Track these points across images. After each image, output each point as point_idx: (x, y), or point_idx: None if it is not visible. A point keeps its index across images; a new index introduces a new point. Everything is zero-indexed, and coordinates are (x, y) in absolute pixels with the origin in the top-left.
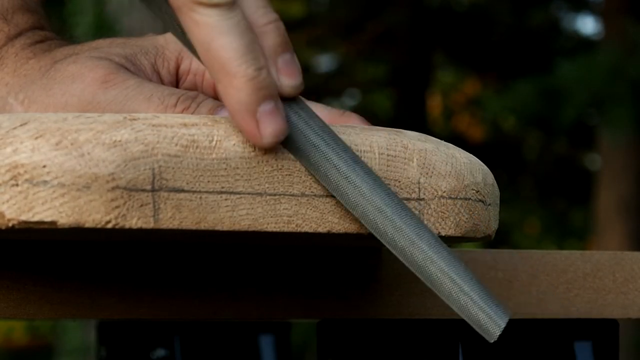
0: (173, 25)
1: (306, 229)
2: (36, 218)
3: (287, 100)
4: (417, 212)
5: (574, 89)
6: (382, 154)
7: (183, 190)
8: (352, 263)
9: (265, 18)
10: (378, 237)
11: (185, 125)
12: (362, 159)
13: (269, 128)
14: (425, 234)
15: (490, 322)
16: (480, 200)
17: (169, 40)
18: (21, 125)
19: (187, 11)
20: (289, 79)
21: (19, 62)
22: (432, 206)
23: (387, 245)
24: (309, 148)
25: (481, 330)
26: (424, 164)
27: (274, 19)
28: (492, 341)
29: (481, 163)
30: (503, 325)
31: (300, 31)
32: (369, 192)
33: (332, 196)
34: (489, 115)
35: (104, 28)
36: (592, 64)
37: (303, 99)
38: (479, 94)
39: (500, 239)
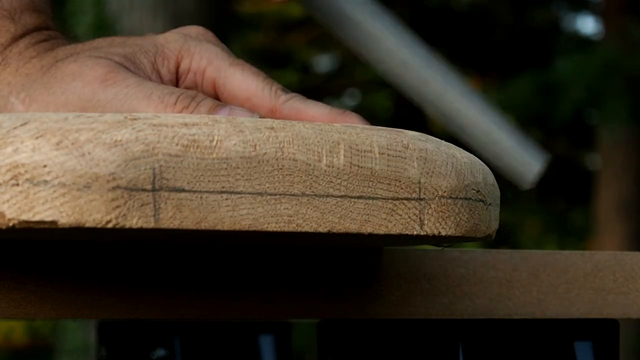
0: None
1: (307, 228)
2: (37, 218)
3: None
4: (417, 211)
5: (571, 84)
6: (382, 153)
7: (184, 190)
8: (352, 263)
9: None
10: (405, 92)
11: (185, 125)
12: (363, 158)
13: None
14: (456, 83)
15: (524, 168)
16: (480, 200)
17: (168, 39)
18: (22, 125)
19: None
20: None
21: (21, 62)
22: (433, 206)
23: (417, 99)
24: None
25: (516, 177)
26: (424, 163)
27: None
28: (526, 187)
29: (482, 163)
30: (536, 170)
31: (300, 31)
32: (395, 46)
33: (333, 196)
34: None
35: (104, 28)
36: (589, 59)
37: None
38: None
39: (500, 239)
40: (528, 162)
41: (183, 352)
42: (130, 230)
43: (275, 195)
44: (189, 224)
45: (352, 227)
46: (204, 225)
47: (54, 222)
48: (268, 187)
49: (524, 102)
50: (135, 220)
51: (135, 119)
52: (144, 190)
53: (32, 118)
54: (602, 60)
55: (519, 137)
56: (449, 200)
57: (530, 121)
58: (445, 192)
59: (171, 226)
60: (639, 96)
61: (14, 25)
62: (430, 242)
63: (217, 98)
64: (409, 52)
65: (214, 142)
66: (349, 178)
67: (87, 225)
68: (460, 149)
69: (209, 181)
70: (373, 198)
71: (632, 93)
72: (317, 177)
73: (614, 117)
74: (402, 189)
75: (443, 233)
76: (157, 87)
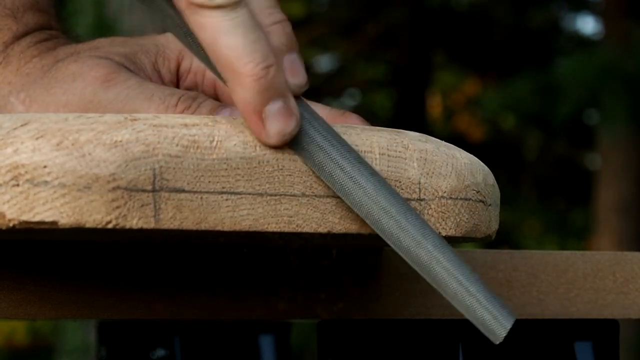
0: (175, 27)
1: (307, 229)
2: (37, 218)
3: None
4: (417, 212)
5: (570, 84)
6: (382, 154)
7: (184, 191)
8: (352, 263)
9: (272, 18)
10: (383, 237)
11: (185, 125)
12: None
13: (274, 128)
14: (431, 235)
15: (496, 323)
16: (480, 201)
17: (169, 40)
18: (22, 125)
19: (191, 14)
20: (294, 78)
21: (22, 61)
22: (433, 206)
23: (392, 245)
24: (313, 149)
25: (487, 331)
26: (424, 164)
27: (280, 19)
28: (497, 342)
29: (481, 163)
30: (509, 326)
31: (300, 31)
32: (374, 191)
33: (333, 196)
34: (487, 112)
35: (104, 28)
36: (588, 59)
37: (303, 99)
38: (479, 94)
39: (501, 239)
40: (500, 317)
41: (183, 352)
42: (131, 230)
43: (276, 195)
44: (189, 224)
45: (352, 227)
46: (204, 226)
47: (54, 223)
48: (268, 188)
49: (524, 102)
50: (135, 221)
51: (135, 120)
52: (144, 190)
53: (33, 119)
54: (601, 61)
55: (490, 292)
56: (449, 201)
57: (530, 121)
58: (445, 192)
59: (171, 227)
60: (638, 97)
61: (16, 24)
62: None
63: (218, 99)
64: (389, 198)
65: (214, 143)
66: None
67: (87, 225)
68: (461, 149)
69: (209, 182)
70: None
71: (631, 93)
72: (317, 177)
73: (613, 118)
74: (402, 189)
75: (443, 233)
76: (158, 88)
